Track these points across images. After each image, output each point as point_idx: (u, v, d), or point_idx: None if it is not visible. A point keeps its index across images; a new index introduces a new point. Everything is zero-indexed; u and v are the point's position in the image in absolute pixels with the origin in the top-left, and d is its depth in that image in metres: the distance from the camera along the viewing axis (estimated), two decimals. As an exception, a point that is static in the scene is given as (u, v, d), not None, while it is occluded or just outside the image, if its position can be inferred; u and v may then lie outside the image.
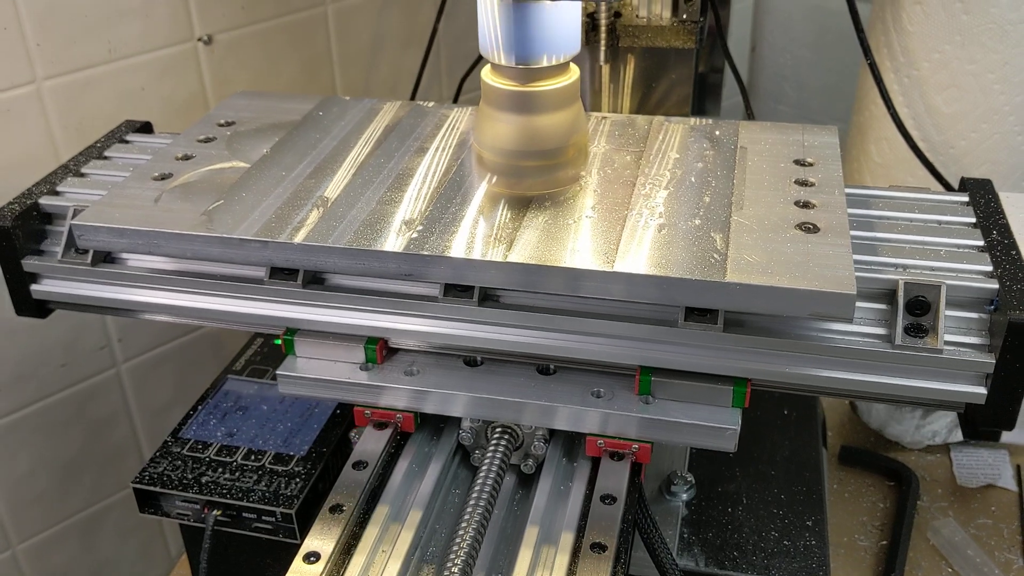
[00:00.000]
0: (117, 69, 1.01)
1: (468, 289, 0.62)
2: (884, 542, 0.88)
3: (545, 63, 0.64)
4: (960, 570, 0.85)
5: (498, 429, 0.67)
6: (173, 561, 1.26)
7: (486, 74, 0.67)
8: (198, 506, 0.73)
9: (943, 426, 0.93)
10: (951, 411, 0.61)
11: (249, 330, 0.71)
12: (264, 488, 0.72)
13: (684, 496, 0.75)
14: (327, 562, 0.59)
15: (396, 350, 0.68)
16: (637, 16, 0.92)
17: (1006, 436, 0.94)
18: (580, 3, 0.63)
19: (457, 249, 0.60)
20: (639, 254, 0.59)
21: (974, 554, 0.86)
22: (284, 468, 0.74)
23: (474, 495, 0.61)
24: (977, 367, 0.58)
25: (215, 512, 0.72)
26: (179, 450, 0.76)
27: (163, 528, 1.24)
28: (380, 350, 0.67)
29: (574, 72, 0.67)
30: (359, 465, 0.67)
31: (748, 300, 0.56)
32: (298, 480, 0.73)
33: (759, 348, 0.60)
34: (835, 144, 0.71)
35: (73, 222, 0.66)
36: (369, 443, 0.69)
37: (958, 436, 0.94)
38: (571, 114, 0.67)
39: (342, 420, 0.78)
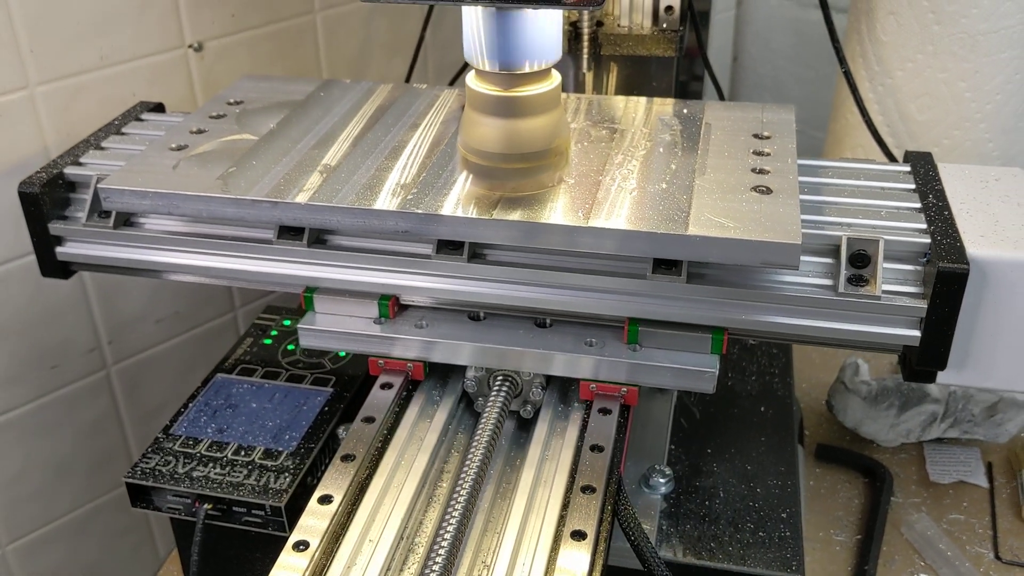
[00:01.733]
0: (109, 75, 1.03)
1: (459, 247, 0.69)
2: (859, 536, 0.90)
3: (527, 69, 0.66)
4: (932, 563, 0.87)
5: (499, 377, 0.73)
6: (161, 561, 1.27)
7: (471, 79, 0.69)
8: (189, 500, 0.75)
9: (916, 424, 0.96)
10: (891, 354, 0.68)
11: (260, 288, 0.78)
12: (254, 482, 0.74)
13: (663, 489, 0.77)
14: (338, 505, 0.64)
15: (406, 307, 0.74)
16: (618, 25, 0.94)
17: (979, 433, 0.97)
18: (561, 12, 0.65)
19: (448, 208, 0.66)
20: (611, 212, 0.65)
21: (946, 548, 0.88)
22: (273, 463, 0.76)
23: (476, 438, 0.66)
24: (911, 312, 0.65)
25: (206, 506, 0.74)
26: (170, 446, 0.78)
27: (152, 529, 1.26)
28: (392, 306, 0.73)
29: (556, 78, 0.69)
30: (347, 459, 0.69)
31: (707, 250, 0.63)
32: (287, 474, 0.74)
33: (720, 298, 0.67)
34: (791, 120, 0.78)
35: (100, 185, 0.72)
36: (354, 438, 0.71)
37: (931, 435, 0.97)
38: (552, 118, 0.69)
39: (330, 416, 0.80)
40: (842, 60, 1.00)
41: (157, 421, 1.20)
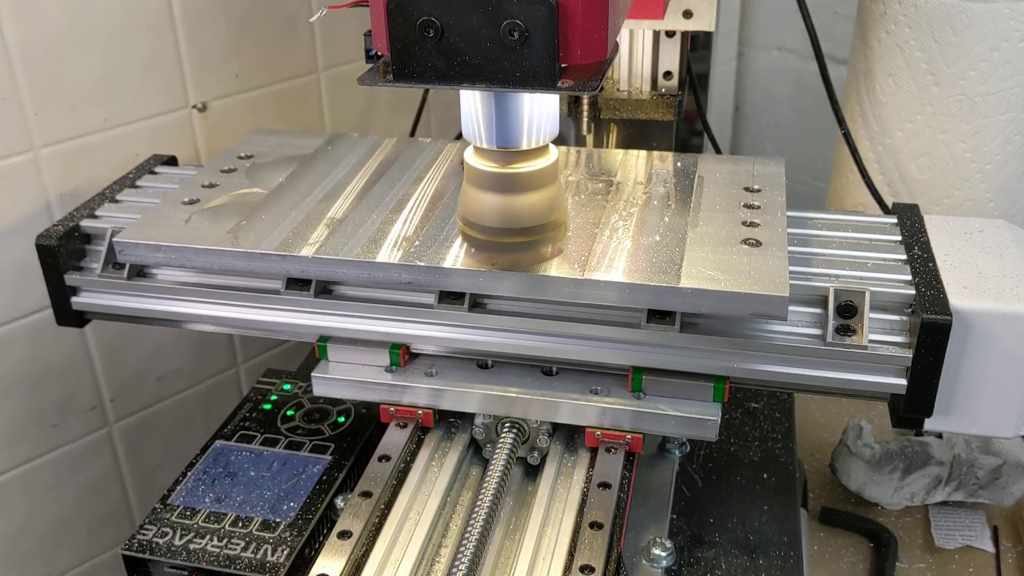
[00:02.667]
0: (113, 137, 1.03)
1: (460, 297, 0.71)
2: (864, 604, 0.89)
3: (524, 147, 0.66)
4: (938, 632, 0.86)
5: (507, 424, 0.74)
6: (161, 620, 1.26)
7: (469, 155, 0.69)
8: (186, 573, 0.74)
9: (921, 488, 0.95)
10: (879, 401, 0.70)
11: (268, 336, 0.80)
12: (251, 555, 0.73)
13: (664, 563, 0.76)
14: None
15: (416, 355, 0.77)
16: (618, 90, 0.95)
17: (984, 497, 0.96)
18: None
19: (450, 261, 0.69)
20: (607, 264, 0.68)
21: (952, 616, 0.87)
22: (271, 535, 0.75)
23: (485, 484, 0.68)
24: (897, 361, 0.67)
25: (203, 579, 0.73)
26: (168, 516, 0.77)
27: (152, 587, 1.25)
28: (403, 354, 0.75)
29: (553, 153, 0.69)
30: (344, 535, 0.68)
31: (698, 302, 0.65)
32: (284, 547, 0.74)
33: (712, 347, 0.69)
34: (781, 174, 0.80)
35: (115, 239, 0.75)
36: (351, 513, 0.70)
37: (936, 498, 0.96)
38: (550, 193, 0.70)
39: (329, 487, 0.80)
40: (841, 121, 1.00)
41: (158, 478, 1.20)
